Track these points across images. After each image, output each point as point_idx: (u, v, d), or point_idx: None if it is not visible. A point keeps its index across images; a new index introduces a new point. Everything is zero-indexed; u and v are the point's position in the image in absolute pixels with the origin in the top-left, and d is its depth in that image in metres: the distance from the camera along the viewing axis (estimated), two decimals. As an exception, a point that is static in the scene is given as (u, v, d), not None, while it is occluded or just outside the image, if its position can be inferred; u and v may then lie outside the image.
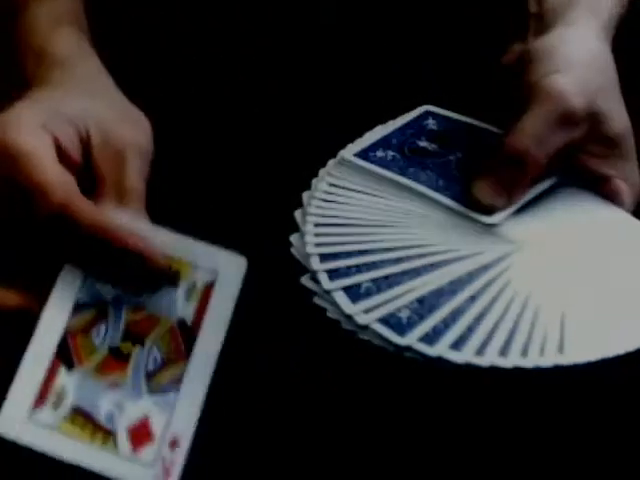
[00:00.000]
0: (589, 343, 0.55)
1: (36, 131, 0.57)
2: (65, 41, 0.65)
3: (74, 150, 0.58)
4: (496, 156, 0.60)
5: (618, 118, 0.62)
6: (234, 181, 0.69)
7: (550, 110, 0.60)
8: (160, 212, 0.65)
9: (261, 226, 0.65)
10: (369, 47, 0.71)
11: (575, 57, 0.62)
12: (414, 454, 0.60)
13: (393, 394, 0.60)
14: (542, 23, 0.65)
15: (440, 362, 0.54)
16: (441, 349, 0.55)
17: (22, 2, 0.67)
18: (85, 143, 0.59)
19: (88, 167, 0.59)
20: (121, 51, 0.67)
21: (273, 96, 0.70)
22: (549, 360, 0.54)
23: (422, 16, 0.72)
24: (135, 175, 0.59)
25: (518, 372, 0.54)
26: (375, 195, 0.62)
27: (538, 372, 0.54)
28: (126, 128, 0.60)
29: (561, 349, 0.54)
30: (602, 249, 0.60)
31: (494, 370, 0.54)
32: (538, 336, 0.55)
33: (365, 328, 0.56)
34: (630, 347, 0.54)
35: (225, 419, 0.59)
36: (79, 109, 0.60)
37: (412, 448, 0.60)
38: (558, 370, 0.54)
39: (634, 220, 0.62)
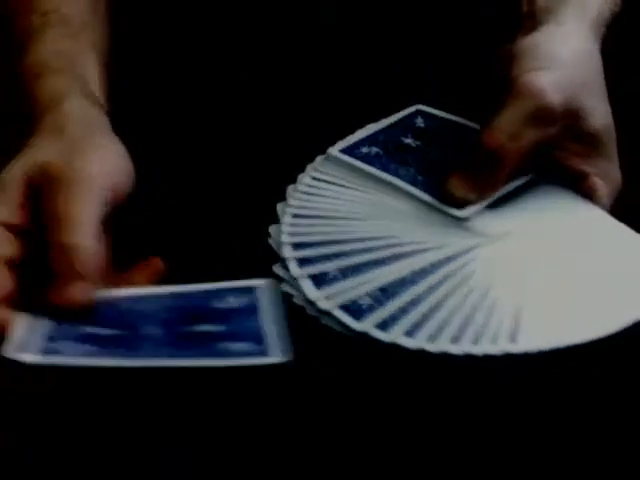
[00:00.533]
0: (542, 333, 0.55)
1: None
2: (40, 94, 0.63)
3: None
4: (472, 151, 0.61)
5: (598, 116, 0.62)
6: (231, 178, 0.71)
7: (526, 106, 0.61)
8: (154, 207, 0.68)
9: (252, 219, 0.67)
10: (368, 47, 0.73)
11: (558, 54, 0.63)
12: (410, 452, 0.61)
13: (391, 393, 0.61)
14: (534, 22, 0.66)
15: (394, 348, 0.56)
16: (395, 335, 0.56)
17: (26, 40, 0.66)
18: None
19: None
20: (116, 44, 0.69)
21: (273, 96, 0.72)
22: (500, 348, 0.55)
23: (422, 16, 0.73)
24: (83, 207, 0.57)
25: (469, 360, 0.55)
26: (355, 189, 0.64)
27: (489, 360, 0.55)
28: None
29: (513, 338, 0.55)
30: (572, 245, 0.60)
31: (446, 357, 0.55)
32: (492, 325, 0.56)
33: (326, 314, 0.58)
34: (582, 339, 0.55)
35: (223, 418, 0.61)
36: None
37: (408, 446, 0.61)
38: (509, 359, 0.55)
39: (609, 218, 0.62)
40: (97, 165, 0.58)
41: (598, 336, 0.55)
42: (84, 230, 0.56)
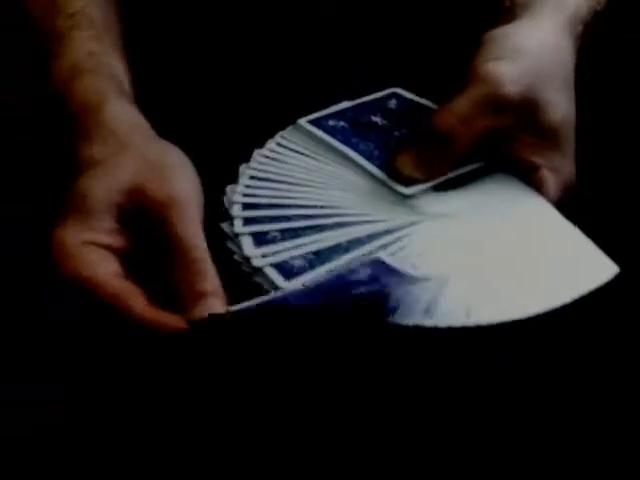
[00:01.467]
0: (458, 311, 0.57)
1: None
2: (78, 96, 0.64)
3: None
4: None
5: (557, 110, 0.63)
6: (216, 140, 0.73)
7: (481, 93, 0.62)
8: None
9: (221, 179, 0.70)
10: (366, 39, 0.74)
11: (524, 46, 0.64)
12: (404, 445, 0.61)
13: (384, 387, 0.62)
14: (511, 16, 0.67)
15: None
16: None
17: (56, 43, 0.66)
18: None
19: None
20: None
21: (270, 85, 0.74)
22: (414, 321, 0.57)
23: (420, 12, 0.74)
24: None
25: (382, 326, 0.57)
26: (314, 158, 0.66)
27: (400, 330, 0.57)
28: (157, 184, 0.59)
29: (428, 312, 0.57)
30: (508, 232, 0.61)
31: (360, 321, 0.57)
32: (409, 298, 0.57)
33: (259, 271, 0.60)
34: (497, 320, 0.56)
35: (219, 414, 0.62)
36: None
37: (402, 439, 0.61)
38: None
39: (552, 209, 0.63)
40: (188, 185, 0.60)
41: (515, 318, 0.57)
42: (204, 250, 0.58)
